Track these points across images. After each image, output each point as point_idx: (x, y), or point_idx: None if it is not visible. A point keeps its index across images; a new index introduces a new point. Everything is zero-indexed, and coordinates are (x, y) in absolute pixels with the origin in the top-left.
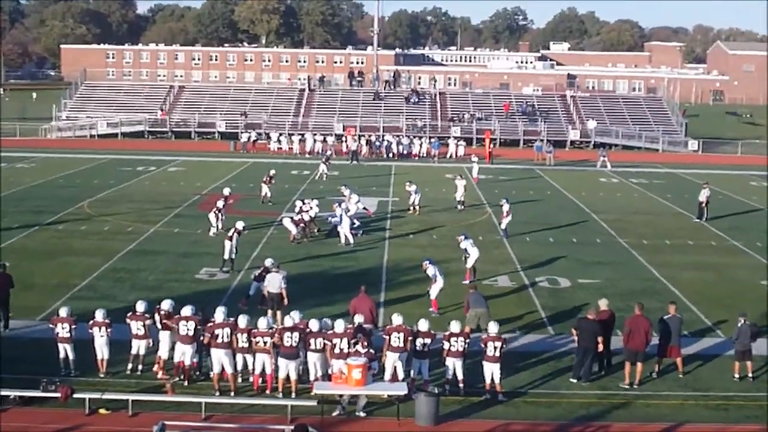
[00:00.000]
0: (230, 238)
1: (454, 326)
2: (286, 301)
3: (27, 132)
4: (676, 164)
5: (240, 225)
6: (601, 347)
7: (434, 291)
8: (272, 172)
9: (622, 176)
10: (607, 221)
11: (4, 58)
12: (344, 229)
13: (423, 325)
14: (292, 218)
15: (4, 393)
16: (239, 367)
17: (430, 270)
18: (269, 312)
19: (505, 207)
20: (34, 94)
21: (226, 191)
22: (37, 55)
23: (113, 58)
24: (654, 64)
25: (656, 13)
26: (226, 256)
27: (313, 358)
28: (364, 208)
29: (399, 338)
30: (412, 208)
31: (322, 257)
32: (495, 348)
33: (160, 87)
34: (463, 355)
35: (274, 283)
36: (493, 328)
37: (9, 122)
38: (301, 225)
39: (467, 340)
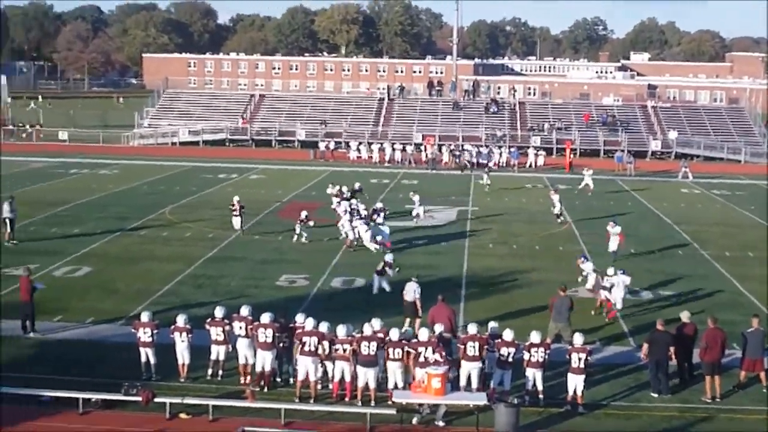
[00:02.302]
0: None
1: (535, 336)
2: (420, 311)
3: (110, 139)
4: (758, 175)
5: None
6: (674, 359)
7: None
8: (357, 185)
9: (704, 187)
10: (689, 232)
11: (88, 66)
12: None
13: (507, 334)
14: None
15: (86, 396)
16: (320, 374)
17: (588, 266)
18: (407, 320)
19: (616, 229)
20: (121, 99)
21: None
22: (120, 63)
23: (195, 67)
24: (735, 74)
25: (737, 23)
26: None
27: (392, 367)
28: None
29: (474, 347)
30: (416, 219)
31: (401, 266)
32: (579, 359)
33: (241, 96)
34: (543, 366)
35: (409, 292)
36: (578, 339)
37: (92, 130)
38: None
39: (547, 351)
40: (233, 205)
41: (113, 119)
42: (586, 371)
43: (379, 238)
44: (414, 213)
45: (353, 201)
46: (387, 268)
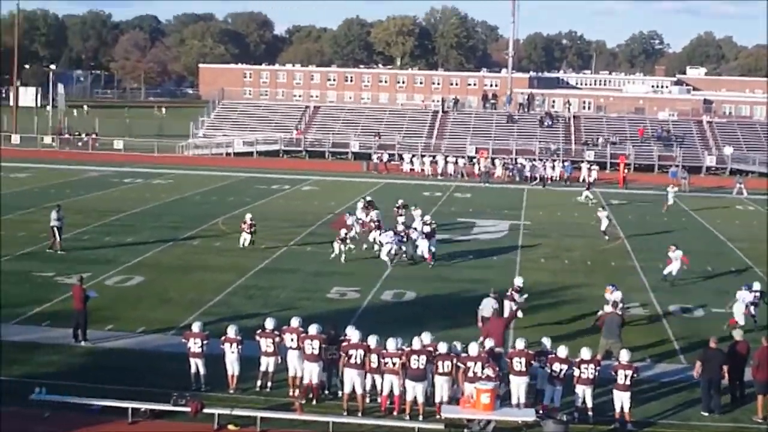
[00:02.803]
0: None
1: (585, 353)
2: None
3: (164, 149)
4: None
5: None
6: (726, 377)
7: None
8: (400, 201)
9: (759, 204)
10: (743, 250)
11: (144, 76)
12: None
13: (562, 351)
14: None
15: (135, 405)
16: (368, 387)
17: (617, 295)
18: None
19: (677, 253)
20: (163, 110)
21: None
22: (176, 73)
23: (250, 77)
24: None
25: None
26: None
27: (440, 381)
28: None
29: (521, 363)
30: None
31: (452, 280)
32: (626, 376)
33: (295, 107)
34: (593, 383)
35: (486, 307)
36: (624, 356)
37: (147, 139)
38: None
39: (598, 368)
40: (245, 223)
41: (169, 129)
42: (631, 388)
43: (419, 251)
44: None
45: (374, 213)
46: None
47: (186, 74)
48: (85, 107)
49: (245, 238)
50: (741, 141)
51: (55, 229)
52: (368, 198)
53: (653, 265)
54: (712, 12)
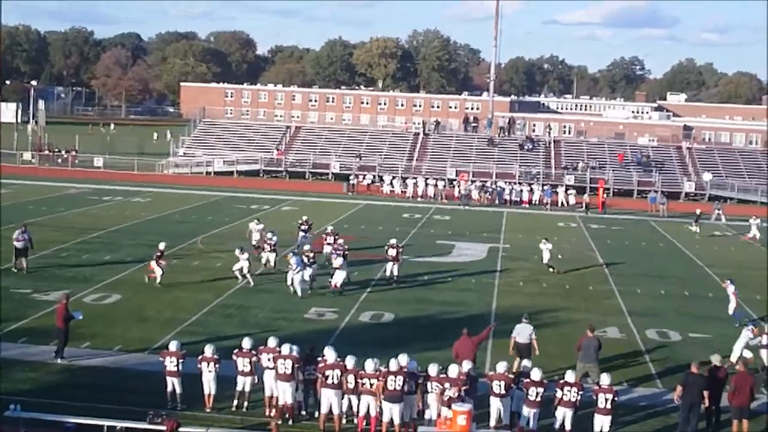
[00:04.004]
0: None
1: (569, 375)
2: (537, 351)
3: (144, 167)
4: None
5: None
6: (707, 403)
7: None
8: (305, 218)
9: (737, 230)
10: (720, 275)
11: (125, 93)
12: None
13: (536, 374)
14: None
15: (110, 423)
16: (345, 408)
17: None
18: (517, 359)
19: (731, 288)
20: (155, 134)
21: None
22: (158, 91)
23: (232, 97)
24: None
25: None
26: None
27: (409, 402)
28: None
29: (500, 386)
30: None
31: (430, 302)
32: (606, 400)
33: (276, 127)
34: (575, 406)
35: (522, 333)
36: (605, 379)
37: (127, 157)
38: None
39: (580, 391)
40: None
41: (149, 147)
42: (612, 412)
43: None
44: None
45: (269, 233)
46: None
47: (167, 93)
48: (112, 125)
49: (267, 257)
50: (720, 167)
51: (17, 249)
52: (304, 218)
53: (631, 289)
54: (694, 39)
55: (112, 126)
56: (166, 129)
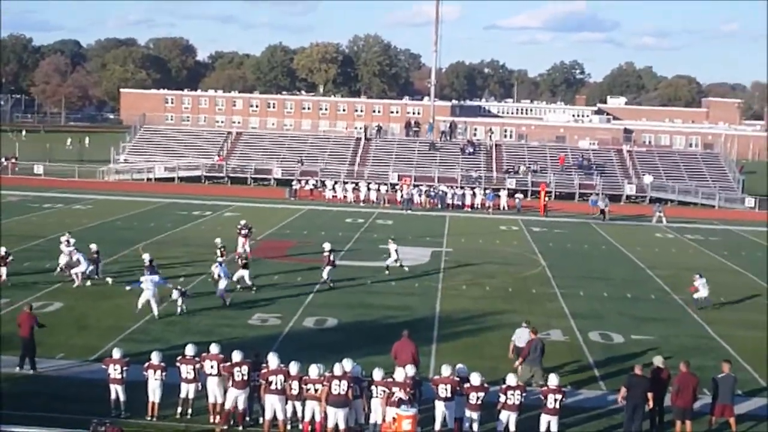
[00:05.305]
0: None
1: (511, 379)
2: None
3: (85, 174)
4: (732, 221)
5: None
6: (651, 404)
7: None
8: (243, 222)
9: (678, 232)
10: (662, 277)
11: (65, 100)
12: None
13: (475, 378)
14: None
15: None
16: (289, 413)
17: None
18: (520, 366)
19: (698, 282)
20: (87, 138)
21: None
22: (97, 98)
23: (172, 103)
24: (711, 120)
25: (714, 69)
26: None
27: (374, 405)
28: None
29: (446, 389)
30: (387, 268)
31: (374, 306)
32: (555, 400)
33: (217, 133)
34: (519, 409)
35: (523, 338)
36: (553, 380)
37: (68, 164)
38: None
39: (524, 393)
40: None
41: (89, 154)
42: (559, 412)
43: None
44: (390, 261)
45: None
46: None
47: (107, 99)
48: (23, 132)
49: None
50: (660, 170)
51: None
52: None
53: (573, 291)
54: (633, 43)
55: (24, 132)
56: (86, 135)
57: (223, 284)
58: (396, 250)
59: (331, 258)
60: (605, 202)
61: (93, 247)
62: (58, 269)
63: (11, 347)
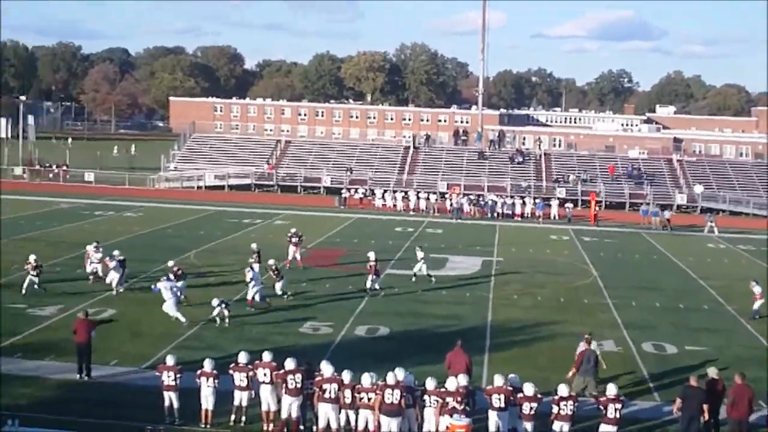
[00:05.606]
0: None
1: (563, 389)
2: (604, 365)
3: (135, 181)
4: None
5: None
6: (707, 416)
7: None
8: (293, 230)
9: (730, 242)
10: (715, 287)
11: (114, 108)
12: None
13: (528, 389)
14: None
15: None
16: (342, 422)
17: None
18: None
19: (757, 289)
20: (133, 147)
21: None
22: (146, 106)
23: (221, 111)
24: (761, 129)
25: (763, 77)
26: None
27: (408, 416)
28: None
29: (500, 399)
30: (414, 276)
31: (425, 315)
32: (615, 410)
33: (266, 141)
34: (572, 419)
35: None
36: (612, 389)
37: (117, 171)
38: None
39: (576, 404)
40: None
41: (139, 162)
42: (620, 422)
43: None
44: (416, 269)
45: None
46: None
47: (156, 107)
48: (70, 140)
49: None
50: (711, 179)
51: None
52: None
53: (626, 302)
54: (681, 52)
55: (70, 140)
56: (132, 143)
57: (254, 288)
58: (422, 259)
59: (377, 267)
60: (669, 212)
61: (116, 253)
62: (91, 278)
63: (64, 353)
